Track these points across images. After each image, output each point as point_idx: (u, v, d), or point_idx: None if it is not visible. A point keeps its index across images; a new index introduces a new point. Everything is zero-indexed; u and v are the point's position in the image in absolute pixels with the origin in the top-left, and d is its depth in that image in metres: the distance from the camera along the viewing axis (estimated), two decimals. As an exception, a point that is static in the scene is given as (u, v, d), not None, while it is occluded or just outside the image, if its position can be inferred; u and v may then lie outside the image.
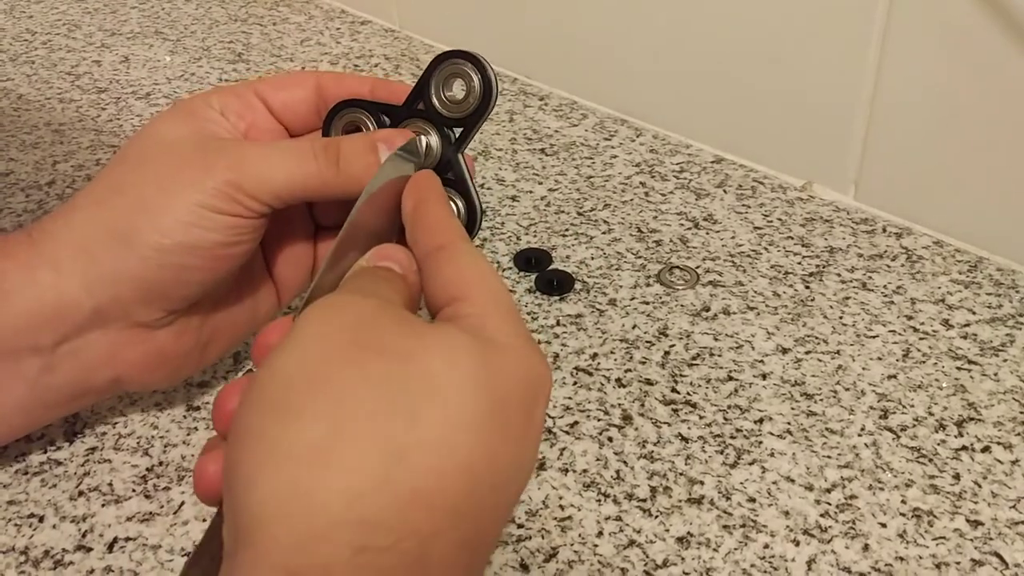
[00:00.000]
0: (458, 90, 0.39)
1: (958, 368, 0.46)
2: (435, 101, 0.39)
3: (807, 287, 0.51)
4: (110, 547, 0.38)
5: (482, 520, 0.26)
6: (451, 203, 0.38)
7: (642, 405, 0.44)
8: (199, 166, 0.36)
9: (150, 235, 0.36)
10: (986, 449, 0.41)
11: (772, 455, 0.41)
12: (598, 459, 0.41)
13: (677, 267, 0.53)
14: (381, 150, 0.38)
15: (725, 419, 0.43)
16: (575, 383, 0.45)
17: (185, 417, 0.44)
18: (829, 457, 0.41)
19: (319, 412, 0.25)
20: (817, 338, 0.47)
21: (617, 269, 0.53)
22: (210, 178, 0.36)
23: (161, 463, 0.41)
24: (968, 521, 0.38)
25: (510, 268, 0.53)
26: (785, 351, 0.47)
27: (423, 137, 0.38)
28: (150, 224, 0.36)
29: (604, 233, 0.56)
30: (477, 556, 0.26)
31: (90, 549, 0.38)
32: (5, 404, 0.38)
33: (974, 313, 0.49)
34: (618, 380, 0.45)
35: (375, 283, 0.31)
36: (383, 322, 0.28)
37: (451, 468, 0.25)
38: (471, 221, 0.39)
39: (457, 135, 0.39)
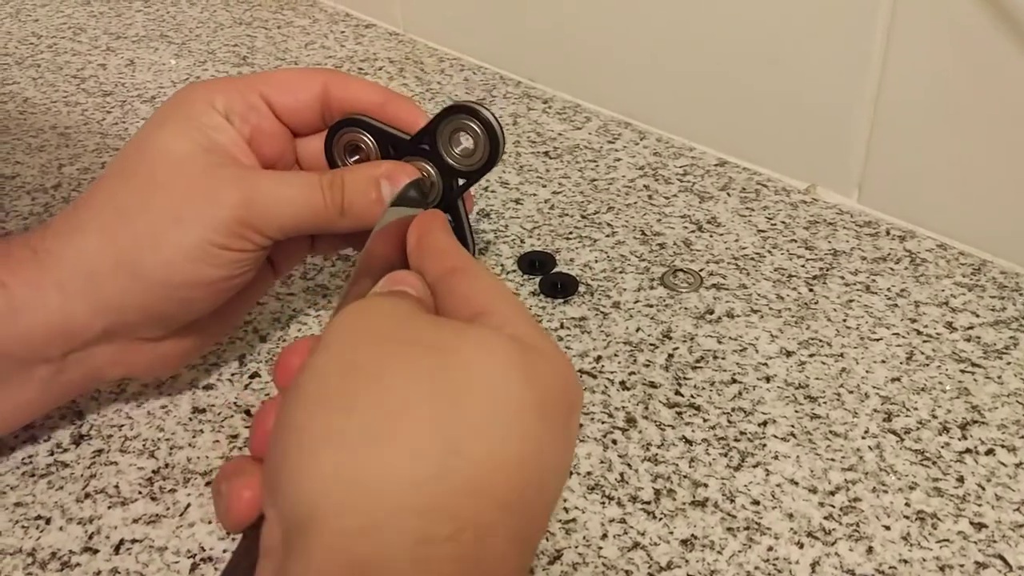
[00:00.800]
0: (465, 142, 0.40)
1: (962, 371, 0.46)
2: (441, 151, 0.40)
3: (811, 290, 0.51)
4: (116, 549, 0.38)
5: (531, 516, 0.26)
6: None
7: (646, 408, 0.44)
8: (208, 198, 0.37)
9: (157, 271, 0.37)
10: (990, 452, 0.41)
11: (776, 458, 0.41)
12: (602, 461, 0.41)
13: (681, 270, 0.53)
14: (384, 187, 0.39)
15: (729, 422, 0.43)
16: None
17: (191, 419, 0.44)
18: (833, 460, 0.41)
19: (370, 400, 0.25)
20: (821, 341, 0.48)
21: (621, 272, 0.53)
22: (220, 213, 0.37)
23: (167, 465, 0.41)
24: (972, 524, 0.38)
25: (514, 271, 0.53)
26: (789, 354, 0.47)
27: (428, 179, 0.40)
28: (157, 259, 0.37)
29: (608, 236, 0.56)
30: (526, 553, 0.26)
31: (97, 551, 0.38)
32: (16, 404, 0.39)
33: (978, 316, 0.49)
34: (622, 383, 0.45)
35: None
36: (418, 319, 0.28)
37: (504, 460, 0.25)
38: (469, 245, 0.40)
39: (460, 184, 0.40)
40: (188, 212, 0.37)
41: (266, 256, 0.40)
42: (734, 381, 0.45)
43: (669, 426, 0.43)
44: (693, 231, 0.56)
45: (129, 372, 0.41)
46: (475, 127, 0.39)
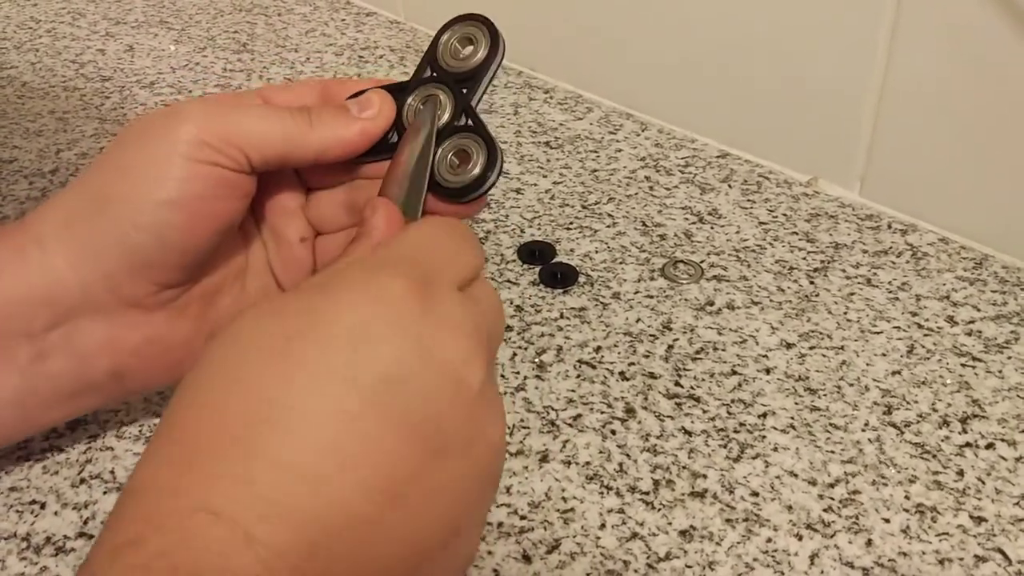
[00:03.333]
0: (464, 48, 0.39)
1: (962, 365, 0.45)
2: (445, 62, 0.39)
3: (811, 282, 0.51)
4: (112, 534, 0.38)
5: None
6: (468, 148, 0.38)
7: (645, 398, 0.44)
8: (168, 122, 0.36)
9: (126, 194, 0.35)
10: (990, 446, 0.41)
11: (775, 450, 0.41)
12: (601, 452, 0.41)
13: (681, 261, 0.52)
14: (352, 107, 0.38)
15: (728, 413, 0.43)
16: (578, 376, 0.45)
17: (187, 405, 0.43)
18: (832, 452, 0.41)
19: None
20: (821, 333, 0.47)
21: (621, 263, 0.53)
22: (181, 125, 0.35)
23: (163, 451, 0.41)
24: (971, 517, 0.38)
25: (514, 261, 0.53)
26: (789, 346, 0.47)
27: (438, 96, 0.39)
28: (125, 184, 0.35)
29: (608, 227, 0.56)
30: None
31: (92, 536, 0.38)
32: None
33: (979, 310, 0.49)
34: (621, 373, 0.45)
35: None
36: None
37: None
38: (491, 160, 0.38)
39: (469, 88, 0.39)
40: (152, 136, 0.36)
41: (248, 201, 0.38)
42: (734, 373, 0.45)
43: (668, 417, 0.43)
44: (694, 222, 0.56)
45: (117, 361, 0.38)
46: (471, 28, 0.39)
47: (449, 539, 0.27)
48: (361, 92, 0.40)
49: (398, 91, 0.40)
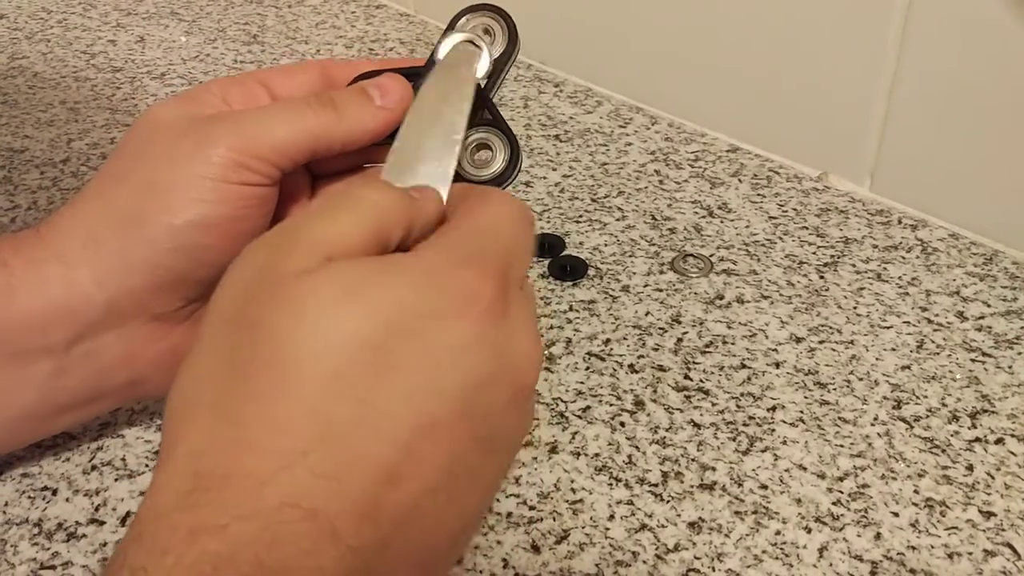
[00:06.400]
0: (483, 40, 0.39)
1: (972, 360, 0.45)
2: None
3: (821, 277, 0.51)
4: (123, 520, 0.38)
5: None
6: (489, 142, 0.38)
7: (654, 391, 0.44)
8: (198, 138, 0.35)
9: (158, 216, 0.35)
10: (999, 441, 0.41)
11: (784, 443, 0.41)
12: (610, 444, 0.41)
13: (691, 255, 0.52)
14: (373, 93, 0.37)
15: (738, 406, 0.43)
16: (588, 368, 0.45)
17: (198, 394, 0.44)
18: (842, 446, 0.41)
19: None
20: (831, 328, 0.47)
21: (631, 256, 0.53)
22: (213, 148, 0.35)
23: (174, 439, 0.41)
24: (980, 512, 0.38)
25: (524, 253, 0.53)
26: (799, 340, 0.47)
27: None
28: (156, 204, 0.35)
29: (618, 220, 0.56)
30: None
31: (103, 522, 0.38)
32: (12, 412, 0.36)
33: (989, 306, 0.49)
34: (631, 366, 0.45)
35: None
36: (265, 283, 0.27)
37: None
38: (513, 156, 0.38)
39: (488, 81, 0.38)
40: (180, 154, 0.35)
41: (274, 200, 0.37)
42: (743, 366, 0.45)
43: (677, 409, 0.43)
44: (704, 216, 0.56)
45: (136, 372, 0.37)
46: (486, 18, 0.39)
47: (477, 525, 0.28)
48: (371, 73, 0.39)
49: (411, 76, 0.39)
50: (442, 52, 0.39)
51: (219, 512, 0.23)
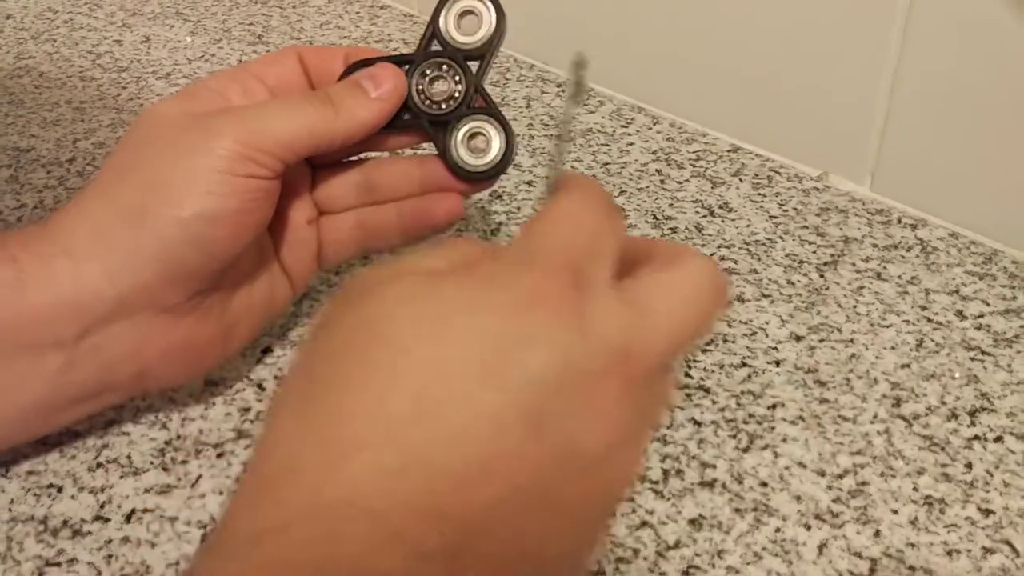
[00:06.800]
0: (470, 24, 0.39)
1: (971, 359, 0.46)
2: (450, 36, 0.39)
3: (822, 276, 0.51)
4: (128, 518, 0.38)
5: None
6: (486, 131, 0.38)
7: (656, 389, 0.44)
8: (203, 133, 0.36)
9: (167, 210, 0.35)
10: (999, 439, 0.41)
11: (784, 440, 0.41)
12: (611, 441, 0.41)
13: (692, 254, 0.53)
14: (367, 85, 0.38)
15: (738, 404, 0.43)
16: (589, 366, 0.45)
17: (203, 392, 0.44)
18: (841, 444, 0.41)
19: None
20: (831, 326, 0.48)
21: (632, 255, 0.53)
22: (218, 141, 0.35)
23: (179, 436, 0.42)
24: (980, 510, 0.38)
25: (526, 252, 0.53)
26: (799, 338, 0.47)
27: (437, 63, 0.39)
28: (164, 198, 0.35)
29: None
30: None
31: (108, 520, 0.38)
32: (22, 404, 0.37)
33: (988, 304, 0.49)
34: (632, 364, 0.45)
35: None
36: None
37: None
38: (509, 143, 0.38)
39: (478, 65, 0.39)
40: (186, 147, 0.36)
41: (278, 192, 0.38)
42: (744, 364, 0.45)
43: (678, 407, 0.43)
44: (705, 216, 0.56)
45: (144, 364, 0.38)
46: (472, 2, 0.39)
47: (572, 558, 0.26)
48: (363, 63, 0.40)
49: (402, 64, 0.39)
50: (443, 22, 0.39)
51: (281, 510, 0.22)
